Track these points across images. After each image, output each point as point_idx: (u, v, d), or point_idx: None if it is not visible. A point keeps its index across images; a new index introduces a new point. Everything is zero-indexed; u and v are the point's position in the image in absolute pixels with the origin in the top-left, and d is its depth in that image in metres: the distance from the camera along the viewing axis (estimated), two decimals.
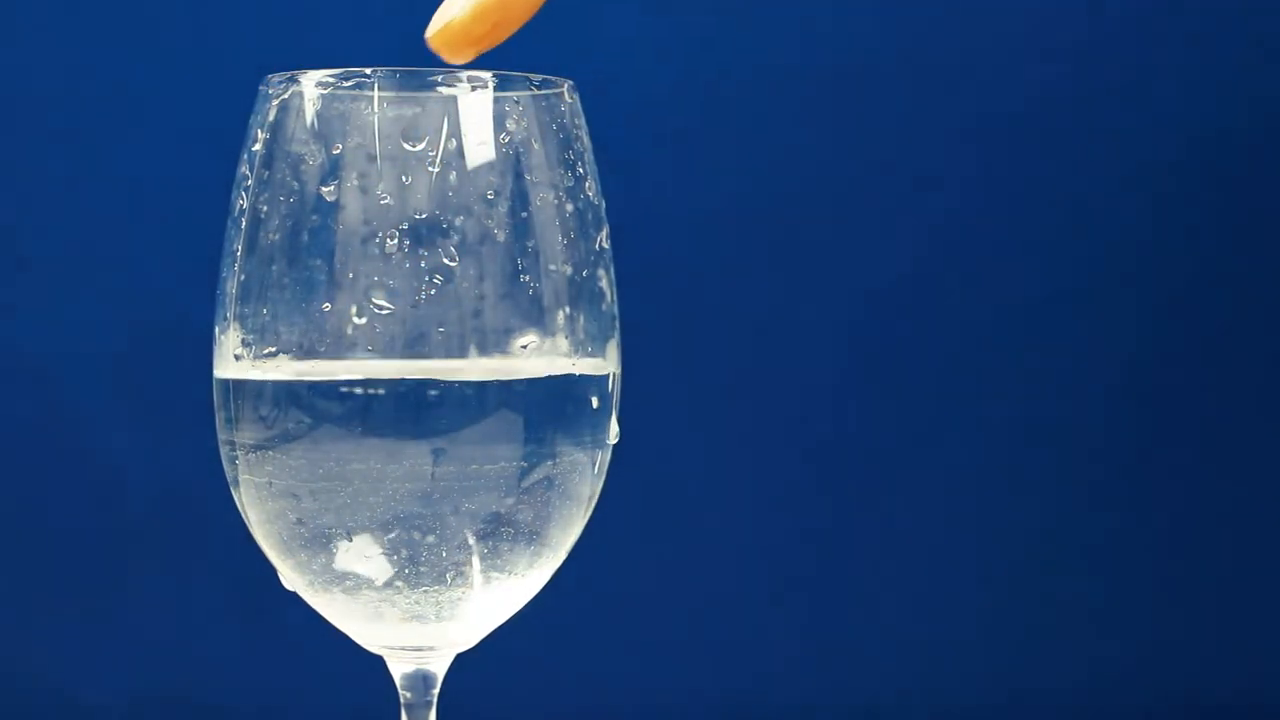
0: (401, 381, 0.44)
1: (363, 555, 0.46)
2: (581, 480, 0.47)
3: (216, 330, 0.47)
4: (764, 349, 0.95)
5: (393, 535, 0.45)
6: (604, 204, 0.48)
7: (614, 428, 0.48)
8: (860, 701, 0.96)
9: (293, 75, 0.46)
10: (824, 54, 0.94)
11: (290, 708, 0.94)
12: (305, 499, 0.45)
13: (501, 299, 0.45)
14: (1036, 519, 0.96)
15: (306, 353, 0.45)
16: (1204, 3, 0.93)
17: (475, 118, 0.45)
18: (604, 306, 0.48)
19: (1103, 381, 0.96)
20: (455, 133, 0.45)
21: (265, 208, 0.46)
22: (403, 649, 0.48)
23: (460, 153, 0.45)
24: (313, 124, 0.45)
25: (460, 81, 0.45)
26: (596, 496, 0.49)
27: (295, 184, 0.45)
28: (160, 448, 0.92)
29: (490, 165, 0.45)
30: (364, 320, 0.44)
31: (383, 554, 0.45)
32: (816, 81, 0.93)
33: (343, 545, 0.46)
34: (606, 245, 0.48)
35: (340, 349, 0.45)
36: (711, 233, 0.94)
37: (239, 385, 0.46)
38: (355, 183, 0.45)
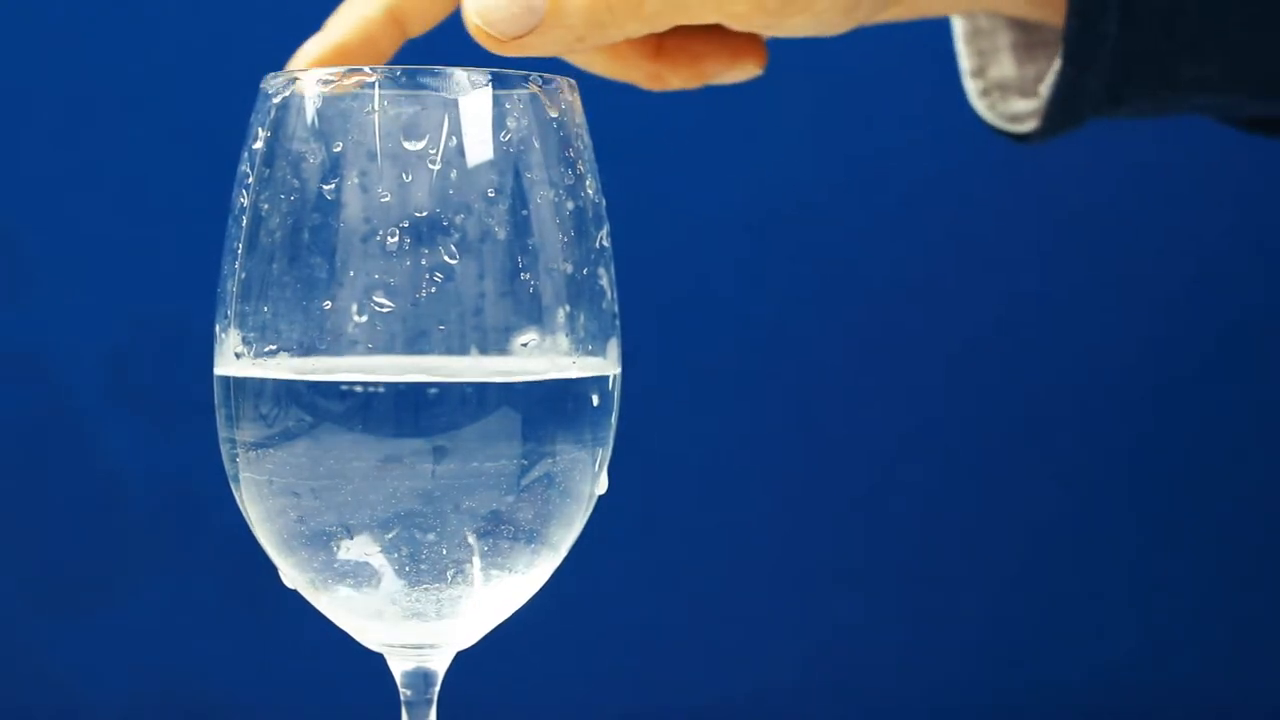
0: (402, 379, 0.44)
1: (363, 553, 0.46)
2: (581, 478, 0.47)
3: (217, 328, 0.47)
4: (764, 348, 0.95)
5: (393, 533, 0.45)
6: (604, 202, 0.48)
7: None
8: (860, 701, 0.96)
9: (294, 74, 0.46)
10: (824, 53, 0.94)
11: (291, 705, 0.94)
12: (306, 497, 0.45)
13: (502, 297, 0.45)
14: (1037, 519, 0.96)
15: (307, 350, 0.45)
16: None
17: (475, 116, 0.45)
18: (604, 305, 0.48)
19: (1103, 381, 0.96)
20: (455, 131, 0.45)
21: (266, 206, 0.46)
22: (403, 647, 0.48)
23: (460, 151, 0.45)
24: (313, 122, 0.45)
25: (461, 80, 0.45)
26: (596, 495, 0.49)
27: (296, 182, 0.45)
28: (161, 445, 0.92)
29: (490, 163, 0.45)
30: (364, 318, 0.44)
31: (383, 552, 0.45)
32: (817, 81, 0.94)
33: (343, 543, 0.46)
34: (607, 244, 0.48)
35: (341, 347, 0.45)
36: (711, 232, 0.94)
37: (240, 383, 0.46)
38: (356, 181, 0.45)
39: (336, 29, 0.53)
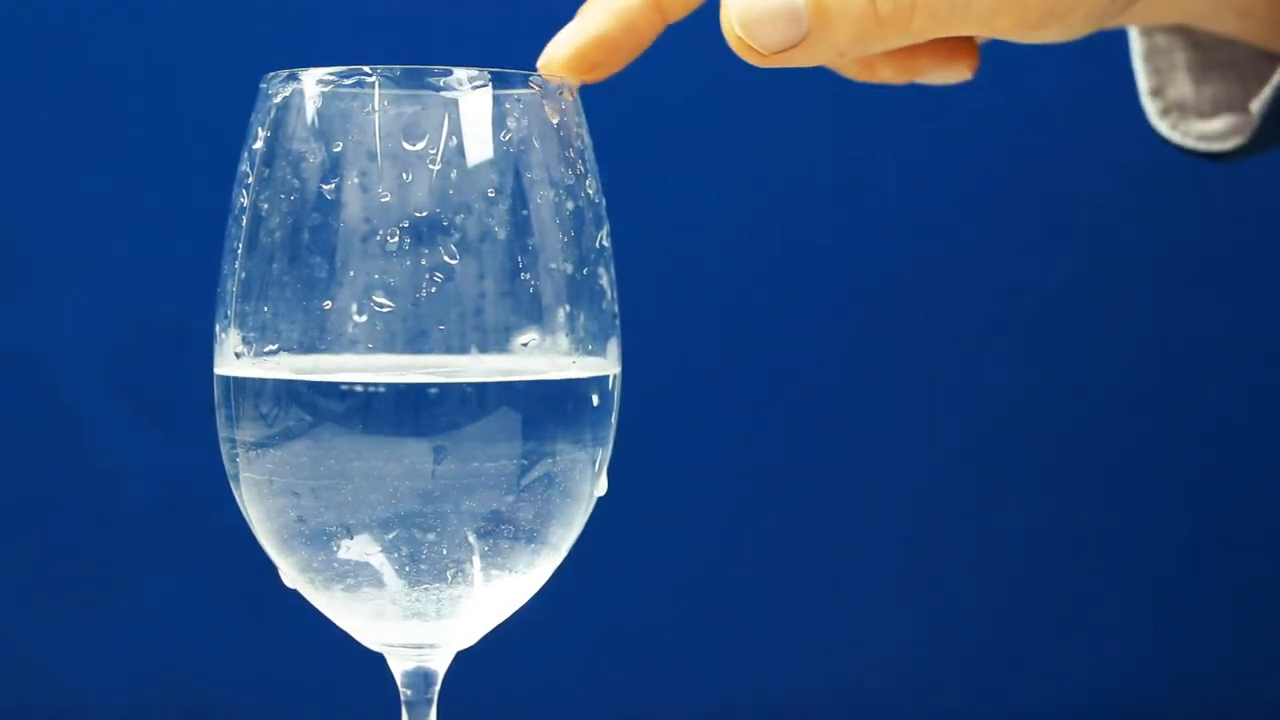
0: (402, 379, 0.44)
1: (363, 553, 0.46)
2: (581, 478, 0.47)
3: (217, 328, 0.47)
4: (765, 348, 0.95)
5: (393, 533, 0.45)
6: (604, 202, 0.48)
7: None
8: (859, 701, 0.96)
9: (293, 73, 0.46)
10: None
11: (291, 705, 0.94)
12: (306, 497, 0.45)
13: (502, 297, 0.45)
14: (1036, 519, 0.96)
15: (307, 350, 0.45)
16: None
17: (475, 116, 0.45)
18: (604, 305, 0.48)
19: (1103, 381, 0.96)
20: (456, 131, 0.45)
21: (266, 205, 0.46)
22: (403, 646, 0.48)
23: (460, 151, 0.45)
24: (313, 122, 0.45)
25: (460, 80, 0.45)
26: (596, 496, 0.49)
27: (296, 182, 0.45)
28: (161, 445, 0.92)
29: (490, 163, 0.45)
30: (365, 318, 0.44)
31: (383, 552, 0.45)
32: (816, 81, 0.93)
33: (343, 543, 0.46)
34: (607, 243, 0.48)
35: (341, 346, 0.45)
36: (711, 231, 0.94)
37: (240, 383, 0.46)
38: (356, 181, 0.45)
39: (595, 17, 0.51)
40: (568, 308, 0.46)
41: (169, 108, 0.91)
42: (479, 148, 0.45)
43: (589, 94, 0.49)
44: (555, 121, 0.47)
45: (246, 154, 0.47)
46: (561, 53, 0.50)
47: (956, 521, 0.96)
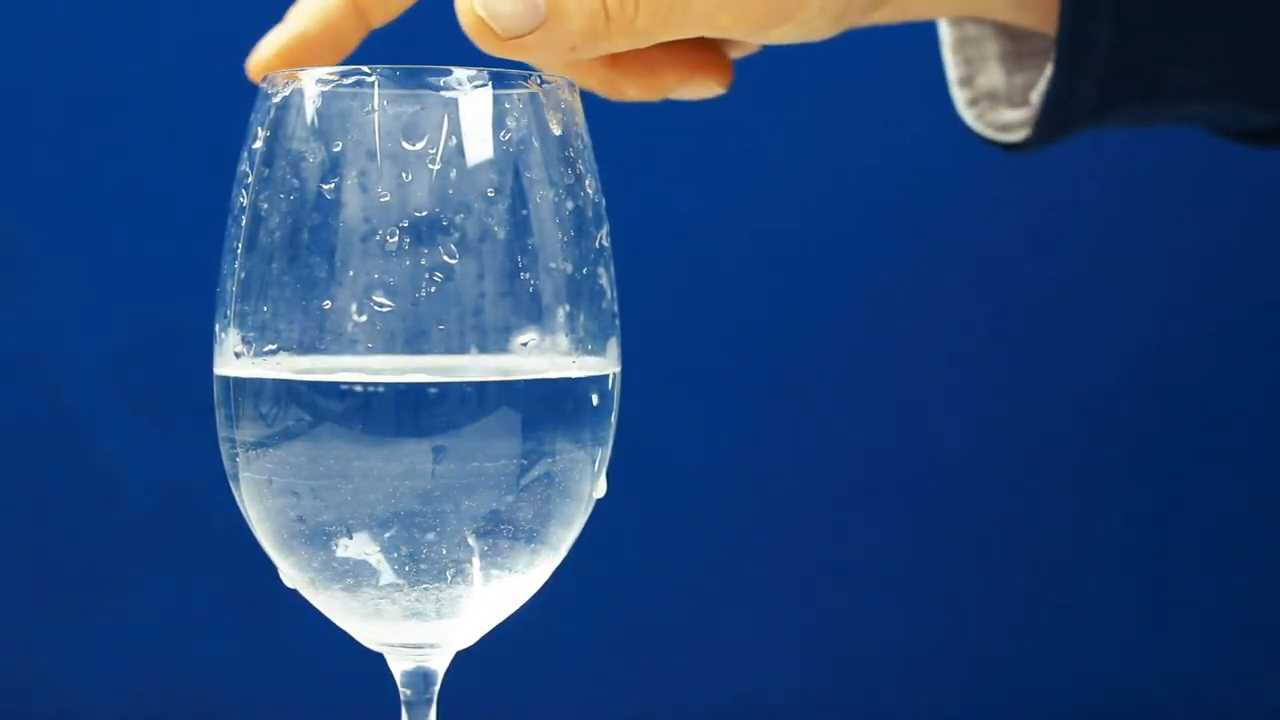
0: (402, 379, 0.44)
1: (362, 552, 0.46)
2: (581, 478, 0.47)
3: (217, 328, 0.47)
4: (764, 347, 0.95)
5: (392, 533, 0.45)
6: (604, 202, 0.48)
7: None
8: (859, 701, 0.96)
9: (293, 73, 0.46)
10: (824, 53, 0.94)
11: (290, 705, 0.94)
12: (305, 496, 0.45)
13: (501, 297, 0.45)
14: (1036, 518, 0.96)
15: (307, 350, 0.45)
16: None
17: (475, 116, 0.45)
18: (604, 304, 0.48)
19: (1103, 381, 0.96)
20: (455, 130, 0.45)
21: (266, 205, 0.46)
22: (403, 646, 0.48)
23: (460, 150, 0.45)
24: (313, 122, 0.45)
25: (460, 80, 0.45)
26: (595, 496, 0.49)
27: (296, 182, 0.45)
28: (161, 445, 0.92)
29: (490, 163, 0.45)
30: (364, 318, 0.44)
31: (382, 551, 0.45)
32: (817, 80, 0.93)
33: (343, 542, 0.46)
34: (606, 243, 0.48)
35: (340, 346, 0.45)
36: (711, 231, 0.94)
37: (239, 383, 0.46)
38: (355, 180, 0.45)
39: (297, 19, 0.53)
40: (567, 307, 0.46)
41: (169, 108, 0.91)
42: (479, 147, 0.45)
43: (589, 94, 0.49)
44: (555, 121, 0.47)
45: (246, 154, 0.47)
46: (267, 51, 0.52)
47: (956, 521, 0.96)
